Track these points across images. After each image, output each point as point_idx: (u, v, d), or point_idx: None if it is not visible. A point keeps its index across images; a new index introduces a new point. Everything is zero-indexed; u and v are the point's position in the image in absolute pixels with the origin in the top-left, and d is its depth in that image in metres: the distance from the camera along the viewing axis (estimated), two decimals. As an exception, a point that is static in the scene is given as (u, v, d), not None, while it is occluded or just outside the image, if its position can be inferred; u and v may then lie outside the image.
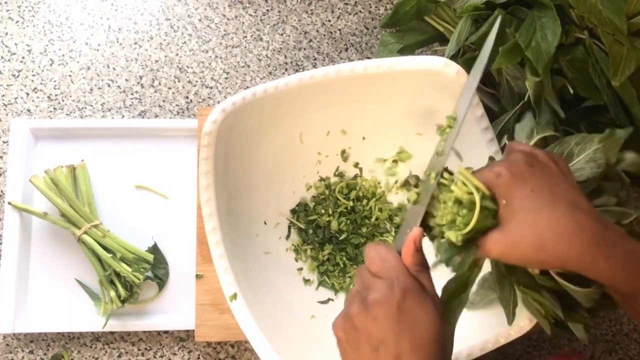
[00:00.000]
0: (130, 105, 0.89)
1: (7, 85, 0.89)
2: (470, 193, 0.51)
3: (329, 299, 0.80)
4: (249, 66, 0.92)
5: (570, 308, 0.59)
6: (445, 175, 0.54)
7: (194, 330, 0.81)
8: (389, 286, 0.49)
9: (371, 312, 0.49)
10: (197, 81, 0.90)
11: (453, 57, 0.73)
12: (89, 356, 0.82)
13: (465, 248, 0.53)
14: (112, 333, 0.82)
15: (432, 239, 0.56)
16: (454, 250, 0.53)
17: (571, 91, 0.69)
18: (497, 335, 0.66)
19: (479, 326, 0.69)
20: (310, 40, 0.93)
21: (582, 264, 0.49)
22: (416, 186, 0.57)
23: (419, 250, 0.52)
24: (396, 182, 0.83)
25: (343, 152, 0.83)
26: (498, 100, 0.79)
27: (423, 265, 0.52)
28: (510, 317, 0.61)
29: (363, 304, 0.49)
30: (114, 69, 0.90)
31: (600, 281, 0.51)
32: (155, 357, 0.82)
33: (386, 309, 0.48)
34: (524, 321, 0.65)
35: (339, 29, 0.94)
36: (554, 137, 0.63)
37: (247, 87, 0.88)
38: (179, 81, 0.90)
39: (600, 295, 0.56)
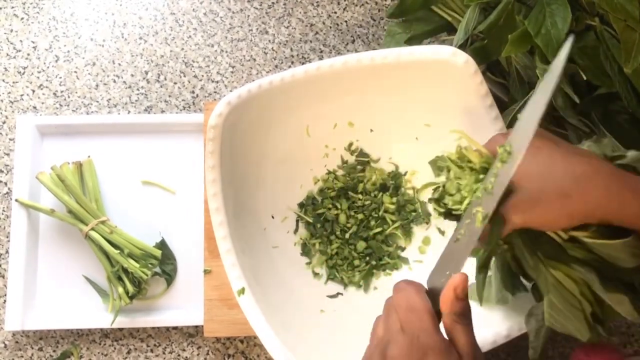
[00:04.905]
0: (136, 100, 0.89)
1: (13, 82, 0.88)
2: (484, 160, 0.49)
3: (338, 293, 0.79)
4: (254, 60, 0.91)
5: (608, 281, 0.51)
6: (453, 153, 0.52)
7: (202, 326, 0.80)
8: (408, 345, 0.45)
9: None
10: (202, 76, 0.90)
11: (461, 47, 0.72)
12: (98, 353, 0.82)
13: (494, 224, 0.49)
14: (120, 329, 0.82)
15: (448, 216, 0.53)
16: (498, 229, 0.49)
17: (584, 77, 0.68)
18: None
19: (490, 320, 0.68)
20: (317, 33, 0.92)
21: (610, 203, 0.46)
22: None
23: (460, 299, 0.46)
24: (405, 173, 0.82)
25: (350, 144, 0.82)
26: (508, 90, 0.78)
27: (462, 315, 0.46)
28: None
29: (382, 356, 0.46)
30: (119, 64, 0.90)
31: (632, 222, 0.47)
32: (164, 353, 0.82)
33: None
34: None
35: (345, 21, 0.93)
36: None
37: (254, 81, 0.87)
38: (184, 76, 0.90)
39: None
